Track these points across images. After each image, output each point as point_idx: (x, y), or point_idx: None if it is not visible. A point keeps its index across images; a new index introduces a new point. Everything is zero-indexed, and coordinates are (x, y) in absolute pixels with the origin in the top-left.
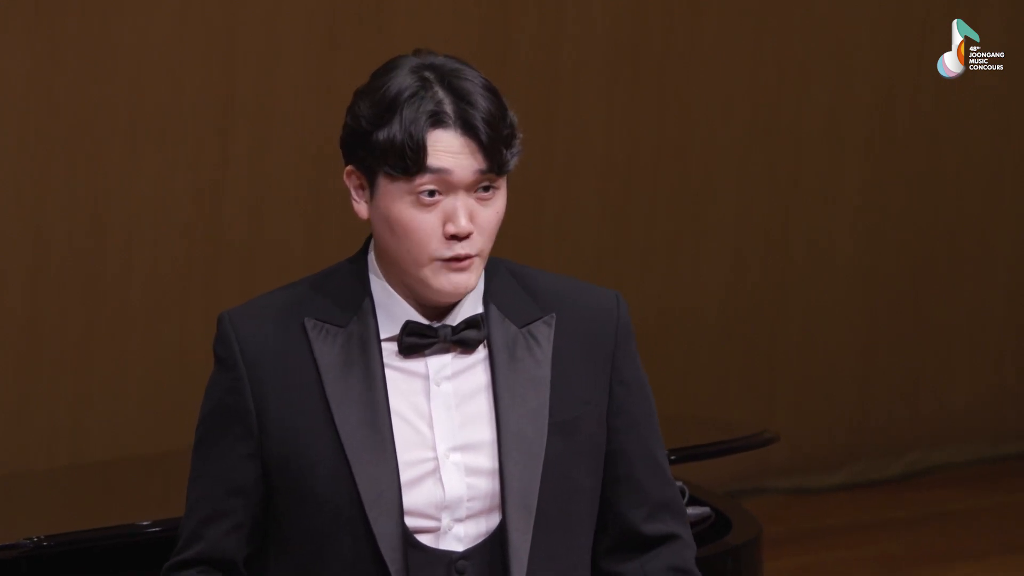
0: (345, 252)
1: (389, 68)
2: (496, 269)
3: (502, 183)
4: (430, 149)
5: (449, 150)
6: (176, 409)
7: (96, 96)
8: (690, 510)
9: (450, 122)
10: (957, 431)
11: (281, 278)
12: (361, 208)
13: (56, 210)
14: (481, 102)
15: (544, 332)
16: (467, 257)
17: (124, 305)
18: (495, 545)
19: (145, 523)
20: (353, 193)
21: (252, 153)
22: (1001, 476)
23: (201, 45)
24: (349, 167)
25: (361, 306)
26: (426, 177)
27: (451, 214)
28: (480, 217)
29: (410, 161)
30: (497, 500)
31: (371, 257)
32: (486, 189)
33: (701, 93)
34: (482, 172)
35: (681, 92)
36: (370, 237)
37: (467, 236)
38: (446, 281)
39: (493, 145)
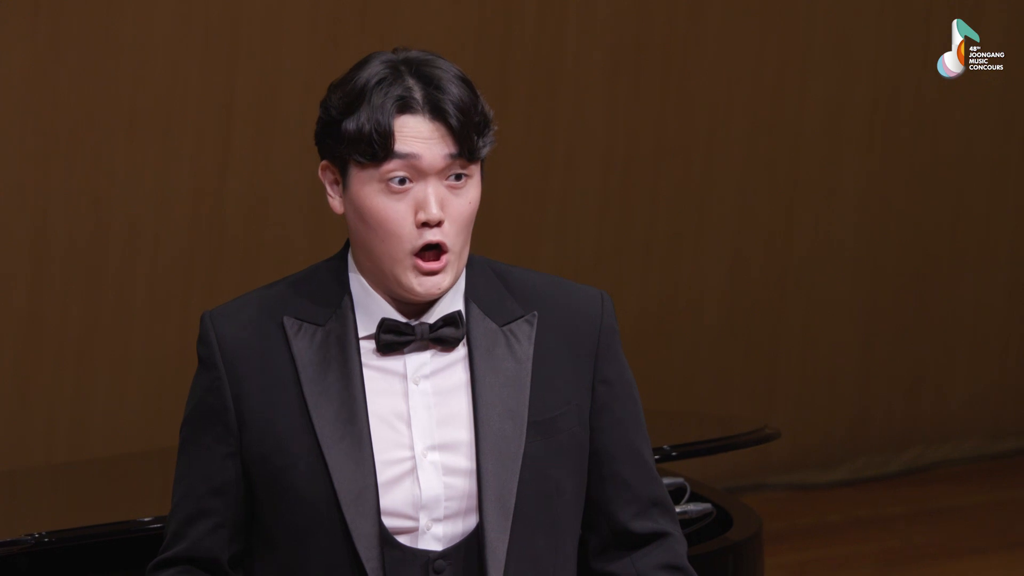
0: None
1: (363, 62)
2: (479, 267)
3: (475, 172)
4: (398, 134)
5: (418, 135)
6: (176, 406)
7: (98, 93)
8: (690, 506)
9: (418, 107)
10: (957, 427)
11: (282, 275)
12: (335, 203)
13: (58, 207)
14: (452, 88)
15: (525, 331)
16: (439, 251)
17: (125, 302)
18: (473, 545)
19: (146, 519)
20: (328, 188)
21: (253, 152)
22: (1001, 472)
23: (202, 43)
24: (324, 162)
25: (340, 304)
26: (394, 163)
27: (421, 202)
28: (452, 206)
29: (377, 146)
30: (475, 500)
31: (349, 254)
32: (458, 178)
33: (703, 90)
34: (452, 157)
35: (683, 88)
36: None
37: (438, 224)
38: (418, 283)
39: (464, 130)
